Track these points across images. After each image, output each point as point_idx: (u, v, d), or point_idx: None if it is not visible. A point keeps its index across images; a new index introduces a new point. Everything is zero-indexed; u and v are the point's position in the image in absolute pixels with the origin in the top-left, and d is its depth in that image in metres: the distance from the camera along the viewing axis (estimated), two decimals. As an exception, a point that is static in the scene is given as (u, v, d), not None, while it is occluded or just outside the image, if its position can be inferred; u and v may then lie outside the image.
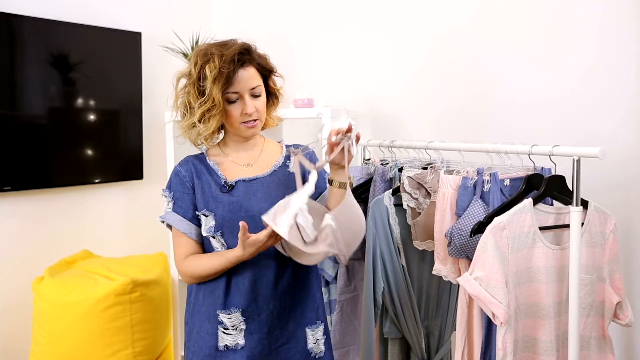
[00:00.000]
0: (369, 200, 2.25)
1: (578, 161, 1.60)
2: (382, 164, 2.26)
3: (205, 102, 1.56)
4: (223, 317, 1.63)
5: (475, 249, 1.74)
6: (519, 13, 2.57)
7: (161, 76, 3.30)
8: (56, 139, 2.81)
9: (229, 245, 1.63)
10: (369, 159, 2.44)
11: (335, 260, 2.39)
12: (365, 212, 2.31)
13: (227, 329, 1.62)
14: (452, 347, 2.29)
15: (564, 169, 1.76)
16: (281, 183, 1.67)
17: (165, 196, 1.68)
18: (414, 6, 2.83)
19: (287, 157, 1.73)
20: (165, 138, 3.28)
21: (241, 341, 1.62)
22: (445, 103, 2.76)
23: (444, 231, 1.85)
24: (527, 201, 1.65)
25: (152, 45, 3.19)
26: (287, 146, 1.75)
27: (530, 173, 1.81)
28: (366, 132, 2.91)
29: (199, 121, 1.59)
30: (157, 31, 3.23)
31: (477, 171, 1.80)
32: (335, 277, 2.41)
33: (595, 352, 1.75)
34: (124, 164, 3.15)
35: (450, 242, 1.79)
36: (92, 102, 2.96)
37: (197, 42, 2.71)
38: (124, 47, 3.09)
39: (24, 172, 2.71)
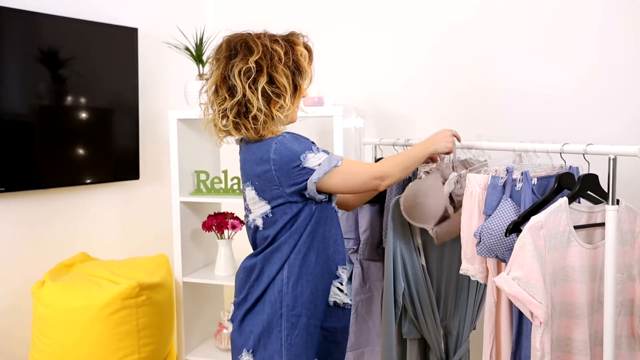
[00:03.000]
0: (386, 200, 2.23)
1: (614, 160, 1.60)
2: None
3: (306, 79, 1.68)
4: (342, 272, 1.78)
5: (505, 248, 1.74)
6: (524, 6, 2.59)
7: (158, 73, 3.24)
8: (47, 138, 2.70)
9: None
10: (381, 158, 2.41)
11: (349, 260, 2.35)
12: (382, 211, 2.30)
13: (342, 283, 1.78)
14: (470, 347, 2.28)
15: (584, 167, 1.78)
16: None
17: (312, 150, 1.66)
18: (418, 2, 2.82)
19: None
20: (161, 137, 3.23)
21: (348, 300, 1.80)
22: (452, 100, 2.76)
23: (472, 230, 1.83)
24: (563, 200, 1.64)
25: (148, 42, 3.11)
26: None
27: (557, 172, 1.81)
28: (372, 130, 2.88)
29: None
30: (153, 27, 3.16)
31: (507, 170, 1.78)
32: (350, 278, 2.37)
33: (625, 351, 1.76)
34: (120, 163, 3.06)
35: (480, 241, 1.78)
36: (85, 100, 2.86)
37: (201, 39, 2.64)
38: (120, 43, 3.00)
39: (18, 173, 2.61)
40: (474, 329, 2.29)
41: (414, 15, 2.83)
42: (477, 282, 2.18)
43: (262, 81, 1.58)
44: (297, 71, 1.65)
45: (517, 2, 2.60)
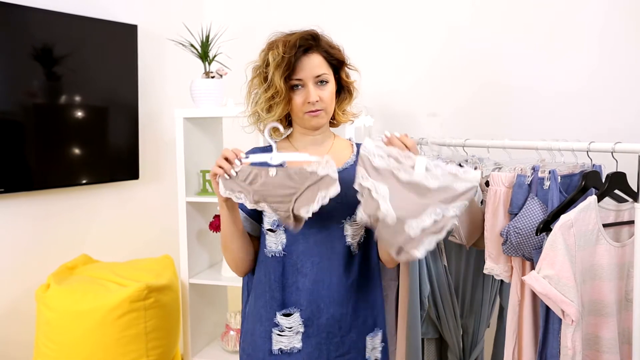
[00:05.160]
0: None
1: (644, 158, 1.60)
2: (417, 162, 2.21)
3: (268, 89, 1.52)
4: (281, 319, 1.57)
5: (532, 247, 1.73)
6: (531, 5, 2.60)
7: (158, 71, 3.18)
8: (42, 138, 2.63)
9: (289, 242, 1.58)
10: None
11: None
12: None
13: (282, 331, 1.57)
14: (485, 346, 2.27)
15: (604, 165, 1.80)
16: (351, 181, 1.59)
17: None
18: (427, 3, 2.81)
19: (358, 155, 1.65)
20: (161, 136, 3.17)
21: (298, 344, 1.57)
22: (457, 100, 2.76)
23: (496, 229, 1.83)
24: (592, 198, 1.64)
25: (147, 39, 3.05)
26: (357, 144, 1.68)
27: (580, 170, 1.81)
28: (378, 129, 2.87)
29: (264, 110, 1.55)
30: (153, 24, 3.10)
31: (533, 168, 1.78)
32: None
33: (651, 348, 1.76)
34: (119, 163, 3.00)
35: (506, 240, 1.77)
36: (84, 99, 2.80)
37: (207, 37, 2.59)
38: (119, 40, 2.94)
39: (18, 173, 2.54)
40: (488, 326, 2.28)
41: (424, 16, 2.82)
42: (492, 279, 2.19)
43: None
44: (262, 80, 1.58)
45: (525, 1, 2.61)
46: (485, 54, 2.69)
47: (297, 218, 1.43)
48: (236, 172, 1.44)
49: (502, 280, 2.16)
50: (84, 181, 2.85)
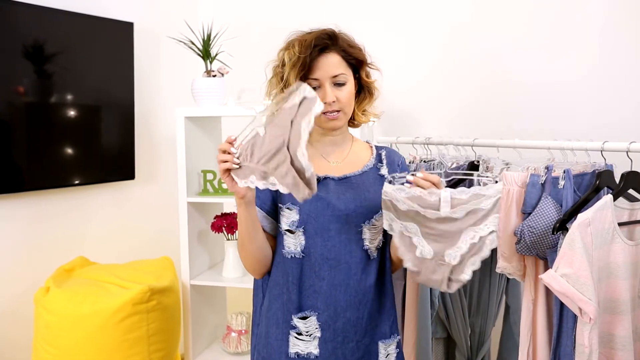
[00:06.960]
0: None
1: (660, 157, 1.62)
2: (424, 162, 2.21)
3: (283, 89, 1.48)
4: (298, 322, 1.54)
5: (547, 246, 1.74)
6: (532, 5, 2.62)
7: (154, 70, 3.13)
8: (34, 137, 2.57)
9: (308, 244, 1.54)
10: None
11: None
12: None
13: (300, 334, 1.54)
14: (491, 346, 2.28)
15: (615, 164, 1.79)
16: (371, 185, 1.59)
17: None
18: (428, 3, 2.81)
19: (378, 159, 1.64)
20: (157, 135, 3.13)
21: (315, 350, 1.54)
22: (459, 99, 2.76)
23: (509, 229, 1.83)
24: (608, 197, 1.65)
25: (142, 37, 3.01)
26: (377, 147, 1.67)
27: (592, 170, 1.82)
28: (378, 128, 2.86)
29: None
30: (148, 22, 3.05)
31: (547, 168, 1.78)
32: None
33: (664, 345, 1.78)
34: (115, 163, 2.95)
35: (520, 239, 1.77)
36: (80, 98, 2.74)
37: (209, 35, 2.56)
38: (114, 38, 2.89)
39: (8, 174, 2.48)
40: (494, 325, 2.29)
41: (425, 15, 2.83)
42: (498, 278, 2.19)
43: None
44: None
45: (527, 0, 2.63)
46: (487, 53, 2.71)
47: (301, 175, 1.29)
48: (238, 158, 1.37)
49: (508, 279, 2.18)
50: (77, 182, 2.79)
